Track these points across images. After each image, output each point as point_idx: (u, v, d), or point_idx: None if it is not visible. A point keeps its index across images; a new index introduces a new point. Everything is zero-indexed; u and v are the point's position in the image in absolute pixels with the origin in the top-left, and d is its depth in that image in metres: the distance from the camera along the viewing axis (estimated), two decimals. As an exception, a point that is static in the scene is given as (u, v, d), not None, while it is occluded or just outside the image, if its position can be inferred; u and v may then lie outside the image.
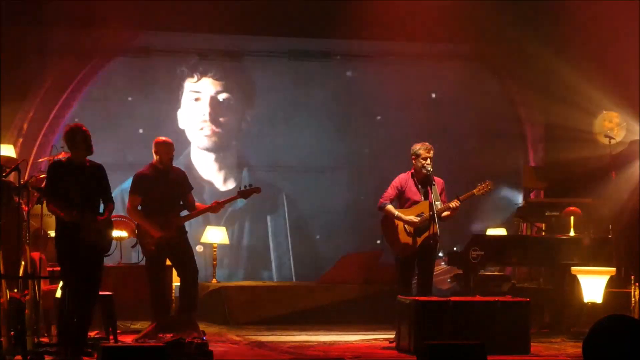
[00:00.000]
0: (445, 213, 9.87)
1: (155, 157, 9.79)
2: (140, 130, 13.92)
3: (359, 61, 14.94)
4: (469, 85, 14.94)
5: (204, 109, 14.51)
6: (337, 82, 14.89)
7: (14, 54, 12.38)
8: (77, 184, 8.36)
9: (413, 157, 9.98)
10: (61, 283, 8.64)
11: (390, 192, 10.06)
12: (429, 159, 9.86)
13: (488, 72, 14.95)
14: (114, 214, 8.81)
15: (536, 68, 14.06)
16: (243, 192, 10.03)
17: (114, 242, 8.90)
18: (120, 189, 12.69)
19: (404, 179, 10.07)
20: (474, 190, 10.02)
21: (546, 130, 14.28)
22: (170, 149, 9.80)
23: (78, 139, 8.42)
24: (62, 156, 8.80)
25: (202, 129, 14.51)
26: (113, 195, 8.79)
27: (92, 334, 9.19)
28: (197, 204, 9.98)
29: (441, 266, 13.02)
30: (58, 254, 8.47)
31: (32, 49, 12.93)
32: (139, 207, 9.71)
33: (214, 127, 14.56)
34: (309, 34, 14.35)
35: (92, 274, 8.42)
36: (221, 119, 14.61)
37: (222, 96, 14.63)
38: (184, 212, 9.87)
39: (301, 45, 14.67)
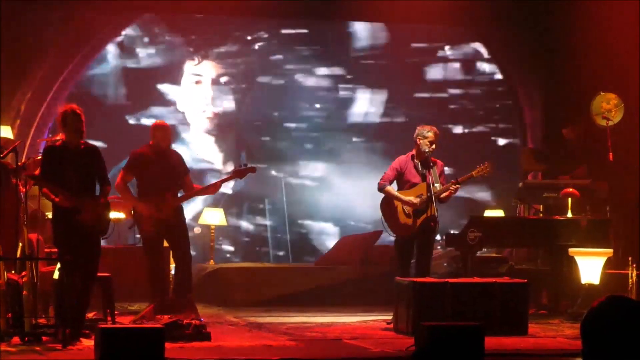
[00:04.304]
0: (444, 195, 9.88)
1: (152, 141, 9.79)
2: (138, 112, 13.92)
3: (360, 42, 14.92)
4: (467, 67, 14.94)
5: (206, 91, 14.48)
6: (336, 64, 14.86)
7: (12, 34, 12.32)
8: (73, 167, 8.35)
9: (419, 138, 9.93)
10: (59, 265, 8.64)
11: (390, 173, 10.04)
12: (429, 140, 9.82)
13: (486, 54, 14.93)
14: (111, 195, 8.81)
15: (534, 50, 14.03)
16: (238, 172, 10.04)
17: (111, 223, 8.89)
18: (118, 167, 12.66)
19: (403, 160, 10.06)
20: (473, 172, 10.01)
21: (544, 112, 14.24)
22: (168, 133, 9.82)
23: (69, 121, 8.40)
24: (59, 138, 8.75)
25: (204, 111, 14.48)
26: (110, 175, 8.80)
27: (90, 315, 9.18)
28: (193, 185, 9.98)
29: (438, 250, 13.03)
30: (55, 236, 8.48)
31: (30, 30, 12.88)
32: (136, 187, 9.73)
33: (215, 110, 14.54)
34: (310, 15, 14.35)
35: (89, 255, 8.43)
36: (222, 102, 14.57)
37: (223, 79, 14.59)
38: (182, 194, 9.88)
39: (302, 27, 14.68)
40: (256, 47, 14.66)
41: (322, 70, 14.85)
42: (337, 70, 14.94)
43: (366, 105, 14.96)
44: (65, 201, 8.28)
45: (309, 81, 14.84)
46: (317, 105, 14.91)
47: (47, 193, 8.34)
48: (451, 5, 13.39)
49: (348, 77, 14.98)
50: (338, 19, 14.42)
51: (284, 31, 14.72)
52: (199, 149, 14.46)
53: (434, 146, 9.84)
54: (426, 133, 9.88)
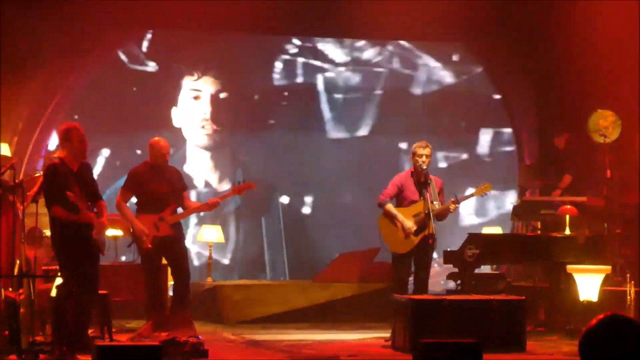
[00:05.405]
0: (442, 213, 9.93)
1: (150, 158, 9.82)
2: (135, 129, 13.92)
3: (353, 60, 14.97)
4: (461, 83, 14.97)
5: (205, 107, 14.46)
6: (331, 79, 14.90)
7: (9, 50, 12.32)
8: (77, 184, 8.35)
9: (411, 155, 10.00)
10: (56, 282, 8.63)
11: (391, 189, 10.07)
12: (424, 157, 9.87)
13: (481, 70, 14.95)
14: (109, 212, 8.81)
15: (530, 65, 14.05)
16: (237, 189, 10.08)
17: (110, 240, 8.90)
18: (115, 187, 12.64)
19: (404, 177, 10.10)
20: (473, 192, 10.05)
21: (540, 128, 14.24)
22: (165, 149, 9.81)
23: (74, 140, 8.40)
24: (56, 155, 8.71)
25: (203, 127, 14.45)
26: (109, 193, 8.81)
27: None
28: (192, 202, 10.00)
29: (434, 268, 13.00)
30: (63, 255, 8.38)
31: (27, 45, 12.88)
32: (135, 204, 9.74)
33: (214, 126, 14.53)
34: (310, 33, 14.43)
35: (93, 273, 8.44)
36: (221, 118, 14.57)
37: (222, 95, 14.60)
38: (180, 211, 9.89)
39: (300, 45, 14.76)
40: (257, 63, 14.67)
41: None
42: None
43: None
44: (84, 217, 8.29)
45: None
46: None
47: (67, 215, 8.28)
48: (445, 20, 13.41)
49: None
50: (336, 36, 14.50)
51: (285, 48, 14.77)
52: (194, 165, 14.43)
53: (428, 159, 9.86)
54: (421, 150, 9.92)
